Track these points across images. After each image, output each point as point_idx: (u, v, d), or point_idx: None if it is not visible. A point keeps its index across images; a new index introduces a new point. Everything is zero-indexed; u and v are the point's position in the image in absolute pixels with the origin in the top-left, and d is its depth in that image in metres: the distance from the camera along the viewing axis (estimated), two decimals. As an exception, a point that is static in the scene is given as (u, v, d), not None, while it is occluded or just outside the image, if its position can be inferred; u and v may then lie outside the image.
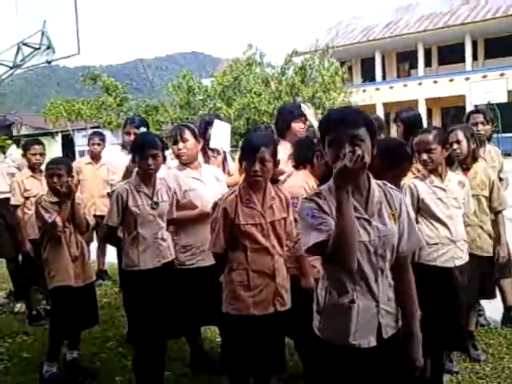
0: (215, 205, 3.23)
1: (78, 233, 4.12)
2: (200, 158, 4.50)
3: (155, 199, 3.60)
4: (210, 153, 4.73)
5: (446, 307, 3.32)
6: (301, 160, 3.58)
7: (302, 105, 4.59)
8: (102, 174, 6.28)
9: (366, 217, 2.13)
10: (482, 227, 4.03)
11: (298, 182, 3.43)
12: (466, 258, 3.48)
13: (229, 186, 4.49)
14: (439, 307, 3.26)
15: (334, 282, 2.15)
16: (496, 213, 4.17)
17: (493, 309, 4.78)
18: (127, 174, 3.88)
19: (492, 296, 4.24)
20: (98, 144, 6.88)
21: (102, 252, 6.85)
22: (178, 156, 4.06)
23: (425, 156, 3.36)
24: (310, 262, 3.27)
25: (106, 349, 4.56)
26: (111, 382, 3.99)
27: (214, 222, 3.09)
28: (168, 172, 4.24)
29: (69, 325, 4.02)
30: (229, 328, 3.15)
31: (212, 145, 4.64)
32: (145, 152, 3.50)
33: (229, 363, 3.17)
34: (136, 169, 3.65)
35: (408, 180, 3.43)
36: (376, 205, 2.16)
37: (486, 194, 4.06)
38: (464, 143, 3.94)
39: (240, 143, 3.89)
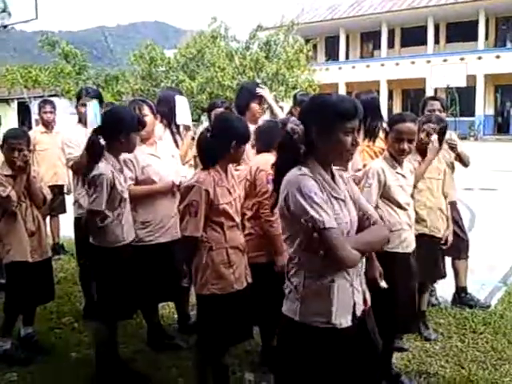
0: (188, 188, 3.10)
1: (34, 207, 4.03)
2: (169, 135, 4.47)
3: (126, 174, 3.65)
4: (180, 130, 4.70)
5: (404, 292, 3.40)
6: (266, 145, 3.59)
7: (257, 89, 4.57)
8: (60, 142, 6.12)
9: (342, 197, 2.19)
10: (440, 209, 4.15)
11: (269, 160, 3.47)
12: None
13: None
14: (398, 292, 3.34)
15: (313, 266, 2.18)
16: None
17: (444, 289, 4.96)
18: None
19: (443, 276, 4.38)
20: (51, 112, 6.71)
21: (56, 224, 6.72)
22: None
23: (406, 145, 3.36)
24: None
25: (61, 324, 4.51)
26: (66, 357, 3.96)
27: (192, 206, 3.02)
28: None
29: (24, 300, 3.95)
30: (214, 308, 3.11)
31: (179, 121, 4.60)
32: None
33: (210, 341, 3.18)
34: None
35: (373, 163, 3.50)
36: (342, 186, 2.25)
37: (442, 178, 4.19)
38: (434, 135, 3.99)
39: (202, 117, 3.85)
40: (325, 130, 2.15)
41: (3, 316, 4.02)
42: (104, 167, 3.42)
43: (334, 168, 2.29)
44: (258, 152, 3.70)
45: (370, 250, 2.37)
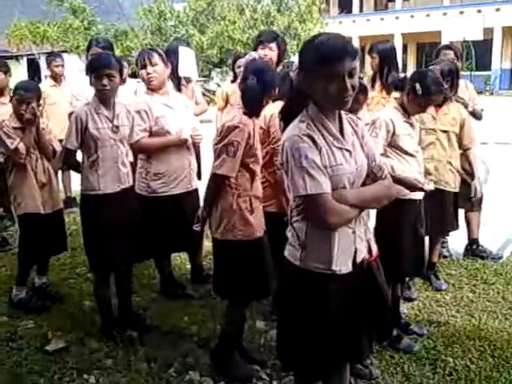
0: (230, 128, 3.00)
1: (44, 159, 4.02)
2: (171, 86, 4.39)
3: (116, 123, 3.48)
4: (182, 81, 4.62)
5: (412, 238, 3.41)
6: (280, 93, 3.52)
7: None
8: (68, 95, 6.08)
9: (348, 147, 2.13)
10: (450, 163, 4.11)
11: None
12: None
13: (196, 116, 4.42)
14: (406, 238, 3.35)
15: (312, 221, 2.16)
16: (466, 149, 4.24)
17: (456, 241, 4.94)
18: None
19: (455, 228, 4.36)
20: (61, 65, 6.65)
21: (67, 178, 6.74)
22: (147, 81, 3.93)
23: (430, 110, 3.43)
24: None
25: (74, 274, 4.58)
26: (80, 306, 4.03)
27: (232, 145, 2.96)
28: (137, 99, 4.12)
29: (38, 251, 4.00)
30: (238, 254, 3.10)
31: (181, 73, 4.51)
32: (99, 72, 3.35)
33: (235, 288, 3.16)
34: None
35: (382, 112, 3.43)
36: (351, 136, 2.18)
37: (457, 130, 4.13)
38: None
39: (213, 73, 3.74)
40: (307, 75, 2.06)
41: (18, 266, 4.09)
42: (80, 107, 3.47)
43: (344, 115, 2.21)
44: (274, 100, 3.63)
45: (368, 207, 2.31)
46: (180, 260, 4.85)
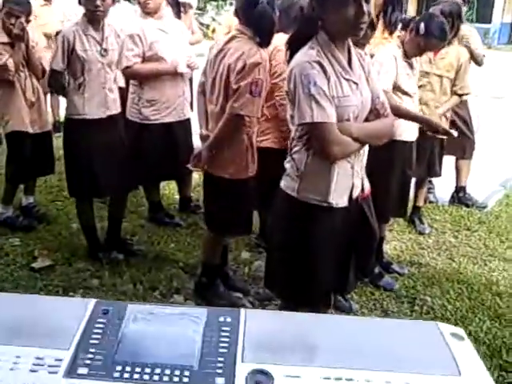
0: (253, 65, 2.84)
1: (33, 78, 3.92)
2: (170, 12, 4.24)
3: (104, 46, 3.36)
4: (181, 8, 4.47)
5: (400, 178, 3.44)
6: (284, 24, 3.41)
7: None
8: (60, 15, 5.86)
9: (355, 79, 2.10)
10: (438, 107, 4.07)
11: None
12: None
13: (191, 45, 4.29)
14: (395, 178, 3.37)
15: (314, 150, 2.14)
16: (460, 95, 4.20)
17: (443, 188, 4.99)
18: None
19: (438, 174, 4.40)
20: None
21: (55, 102, 6.59)
22: (143, 4, 3.77)
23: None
24: None
25: (62, 197, 4.55)
26: (67, 227, 4.04)
27: (256, 85, 2.81)
28: (130, 22, 3.98)
29: (25, 170, 3.96)
30: (244, 191, 3.08)
31: None
32: None
33: (222, 222, 3.16)
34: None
35: (385, 49, 3.38)
36: (358, 69, 2.14)
37: (451, 76, 4.09)
38: None
39: (208, 6, 3.60)
40: (322, 1, 1.99)
41: (4, 185, 4.05)
42: (67, 27, 3.42)
43: (353, 48, 2.17)
44: (277, 32, 3.51)
45: (370, 142, 2.30)
46: (168, 190, 4.85)
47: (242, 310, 1.32)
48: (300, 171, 2.16)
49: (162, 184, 4.56)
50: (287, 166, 2.25)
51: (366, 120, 2.19)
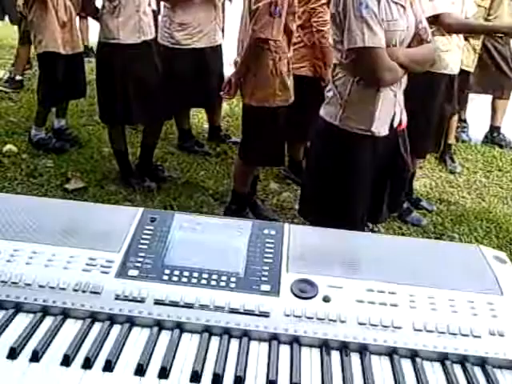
0: None
1: (66, -3, 3.85)
2: None
3: None
4: None
5: (438, 113, 3.36)
6: None
7: None
8: None
9: (402, 3, 2.03)
10: (468, 40, 3.90)
11: None
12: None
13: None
14: (436, 112, 3.31)
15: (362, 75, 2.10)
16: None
17: (476, 127, 4.89)
18: None
19: (464, 109, 4.30)
20: None
21: (85, 27, 6.50)
22: None
23: None
24: None
25: (92, 121, 4.58)
26: (99, 151, 4.09)
27: (275, 4, 2.72)
28: None
29: (57, 92, 3.96)
30: (273, 120, 3.05)
31: None
32: None
33: (262, 154, 3.16)
34: None
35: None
36: None
37: (487, 5, 3.90)
38: None
39: None
40: None
41: (37, 107, 4.08)
42: None
43: None
44: None
45: (414, 68, 2.23)
46: (198, 119, 4.83)
47: (286, 225, 1.34)
48: (343, 99, 2.13)
49: (191, 113, 4.54)
50: (329, 93, 2.21)
51: (409, 46, 2.14)
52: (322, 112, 2.24)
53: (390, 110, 2.16)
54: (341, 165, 2.20)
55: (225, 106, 4.74)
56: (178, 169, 3.97)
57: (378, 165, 2.22)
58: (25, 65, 5.42)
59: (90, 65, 5.98)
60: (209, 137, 4.52)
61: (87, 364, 1.00)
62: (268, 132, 3.08)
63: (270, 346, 1.07)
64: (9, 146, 3.94)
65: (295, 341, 1.09)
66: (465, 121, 4.73)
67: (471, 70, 3.92)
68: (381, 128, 2.16)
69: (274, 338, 1.09)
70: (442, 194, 3.96)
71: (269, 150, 3.14)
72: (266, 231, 1.31)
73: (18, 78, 5.25)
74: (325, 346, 1.08)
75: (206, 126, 4.66)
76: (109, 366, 1.00)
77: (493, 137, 4.78)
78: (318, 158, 2.33)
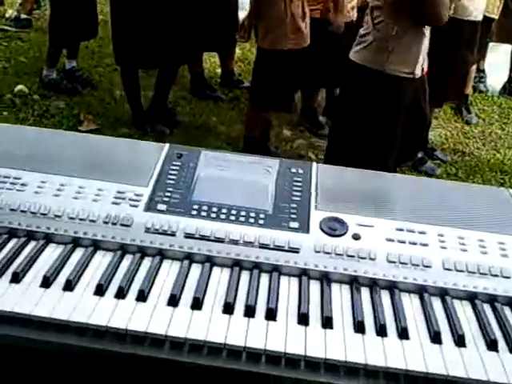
0: None
1: None
2: None
3: None
4: None
5: (461, 62, 3.29)
6: None
7: None
8: None
9: None
10: None
11: None
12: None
13: None
14: (456, 61, 3.23)
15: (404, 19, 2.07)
16: None
17: (495, 78, 4.78)
18: None
19: (482, 58, 4.20)
20: None
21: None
22: None
23: None
24: None
25: (103, 64, 4.48)
26: (111, 94, 4.03)
27: None
28: None
29: (68, 31, 3.86)
30: (284, 63, 2.99)
31: None
32: None
33: (267, 95, 3.11)
34: None
35: None
36: None
37: None
38: None
39: None
40: None
41: (48, 48, 3.99)
42: None
43: None
44: None
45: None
46: (210, 63, 4.74)
47: (314, 164, 1.32)
48: (389, 43, 2.10)
49: (204, 57, 4.44)
50: (367, 38, 2.17)
51: None
52: (358, 57, 2.20)
53: (424, 54, 2.16)
54: (385, 109, 2.20)
55: (237, 50, 4.63)
56: (190, 113, 3.92)
57: (412, 106, 2.22)
58: (32, 4, 5.29)
59: (99, 5, 5.88)
60: (221, 82, 4.44)
61: (121, 294, 1.01)
62: (279, 76, 3.04)
63: (300, 281, 1.08)
64: (20, 87, 3.89)
65: (325, 277, 1.09)
66: (483, 71, 4.62)
67: (495, 17, 3.80)
68: (419, 70, 2.17)
69: (303, 274, 1.09)
70: (457, 145, 3.92)
71: (278, 94, 3.11)
72: (293, 170, 1.30)
73: (24, 16, 5.13)
74: (355, 282, 1.09)
75: (219, 70, 4.57)
76: (142, 297, 1.01)
77: (511, 88, 4.68)
78: (357, 104, 2.30)
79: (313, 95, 3.88)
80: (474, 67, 4.23)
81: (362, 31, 2.19)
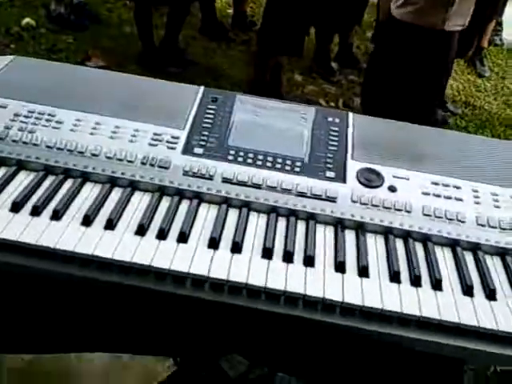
0: None
1: None
2: None
3: None
4: None
5: (480, 14, 3.22)
6: None
7: None
8: None
9: None
10: None
11: None
12: None
13: None
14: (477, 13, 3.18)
15: None
16: None
17: (510, 31, 4.69)
18: None
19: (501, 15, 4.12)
20: None
21: None
22: None
23: None
24: None
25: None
26: (120, 30, 3.92)
27: None
28: None
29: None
30: (294, 3, 2.92)
31: None
32: None
33: (274, 35, 3.04)
34: None
35: None
36: None
37: None
38: None
39: None
40: None
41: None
42: None
43: None
44: None
45: None
46: (221, 3, 4.60)
47: (350, 114, 1.31)
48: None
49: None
50: None
51: None
52: (407, 17, 2.16)
53: None
54: (436, 65, 2.21)
55: None
56: (202, 54, 3.84)
57: None
58: None
59: None
60: (232, 23, 4.33)
61: (161, 235, 1.02)
62: (291, 17, 2.96)
63: (336, 230, 1.09)
64: (27, 20, 3.77)
65: (360, 227, 1.10)
66: (500, 24, 4.52)
67: None
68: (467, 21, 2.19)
69: (339, 223, 1.11)
70: (469, 98, 3.88)
71: (289, 37, 3.05)
72: (330, 119, 1.29)
73: None
74: (390, 233, 1.10)
75: (229, 11, 4.45)
76: (183, 238, 1.02)
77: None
78: (403, 62, 2.28)
79: (326, 40, 3.81)
80: (494, 21, 4.16)
81: None
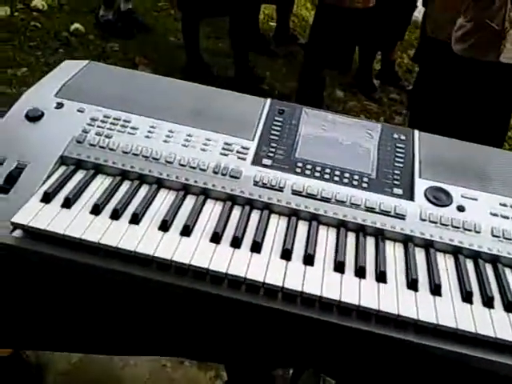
0: None
1: None
2: None
3: None
4: None
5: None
6: None
7: None
8: None
9: None
10: None
11: None
12: None
13: None
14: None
15: None
16: None
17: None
18: None
19: None
20: None
21: None
22: None
23: None
24: None
25: (157, 7, 4.44)
26: (165, 40, 4.00)
27: None
28: None
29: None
30: (345, 21, 2.96)
31: None
32: None
33: (322, 51, 3.09)
34: None
35: None
36: None
37: None
38: None
39: None
40: None
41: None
42: None
43: None
44: None
45: None
46: (263, 16, 4.65)
47: (416, 131, 1.32)
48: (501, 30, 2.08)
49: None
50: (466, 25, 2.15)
51: None
52: (463, 51, 2.18)
53: None
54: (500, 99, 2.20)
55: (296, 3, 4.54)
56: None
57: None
58: None
59: None
60: (275, 36, 4.37)
61: (235, 243, 1.04)
62: (340, 34, 2.99)
63: (405, 248, 1.10)
64: (76, 25, 3.87)
65: (430, 245, 1.11)
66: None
67: None
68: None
69: (409, 240, 1.11)
70: None
71: (337, 53, 3.07)
72: (395, 135, 1.30)
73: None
74: (459, 253, 1.10)
75: (273, 23, 4.50)
76: (256, 247, 1.03)
77: None
78: (463, 97, 2.31)
79: (369, 56, 3.82)
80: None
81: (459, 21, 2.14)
